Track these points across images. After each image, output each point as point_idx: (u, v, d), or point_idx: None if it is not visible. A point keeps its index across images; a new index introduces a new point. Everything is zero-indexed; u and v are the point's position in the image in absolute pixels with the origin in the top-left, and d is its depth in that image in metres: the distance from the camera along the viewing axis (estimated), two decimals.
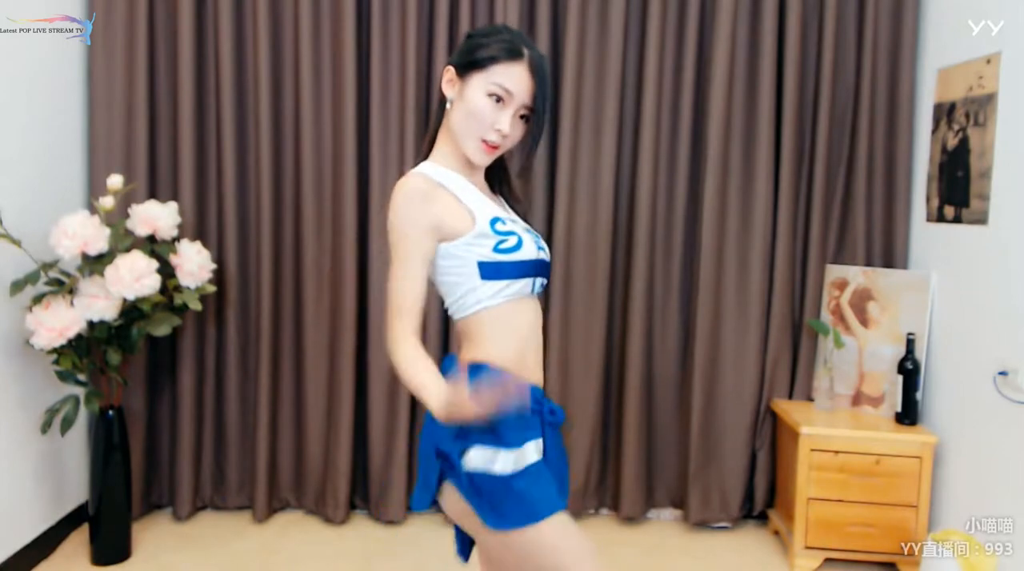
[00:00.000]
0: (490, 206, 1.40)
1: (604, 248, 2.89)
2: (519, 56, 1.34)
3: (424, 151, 1.49)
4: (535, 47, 1.38)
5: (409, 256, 1.31)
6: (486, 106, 1.34)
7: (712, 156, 2.85)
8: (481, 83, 1.34)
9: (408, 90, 2.81)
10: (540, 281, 1.43)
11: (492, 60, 1.33)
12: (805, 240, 2.94)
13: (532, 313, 1.42)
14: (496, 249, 1.33)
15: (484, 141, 1.36)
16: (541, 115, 1.38)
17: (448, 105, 1.40)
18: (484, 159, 1.39)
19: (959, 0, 2.62)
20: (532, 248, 1.39)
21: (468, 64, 1.36)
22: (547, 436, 1.41)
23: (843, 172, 2.90)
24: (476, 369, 1.35)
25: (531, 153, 1.42)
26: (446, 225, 1.33)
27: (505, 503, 1.30)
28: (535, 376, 1.43)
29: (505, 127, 1.34)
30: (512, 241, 1.34)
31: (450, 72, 1.40)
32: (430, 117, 2.86)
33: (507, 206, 1.54)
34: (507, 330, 1.37)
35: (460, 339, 1.43)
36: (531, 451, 1.35)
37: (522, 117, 1.38)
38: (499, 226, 1.35)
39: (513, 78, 1.33)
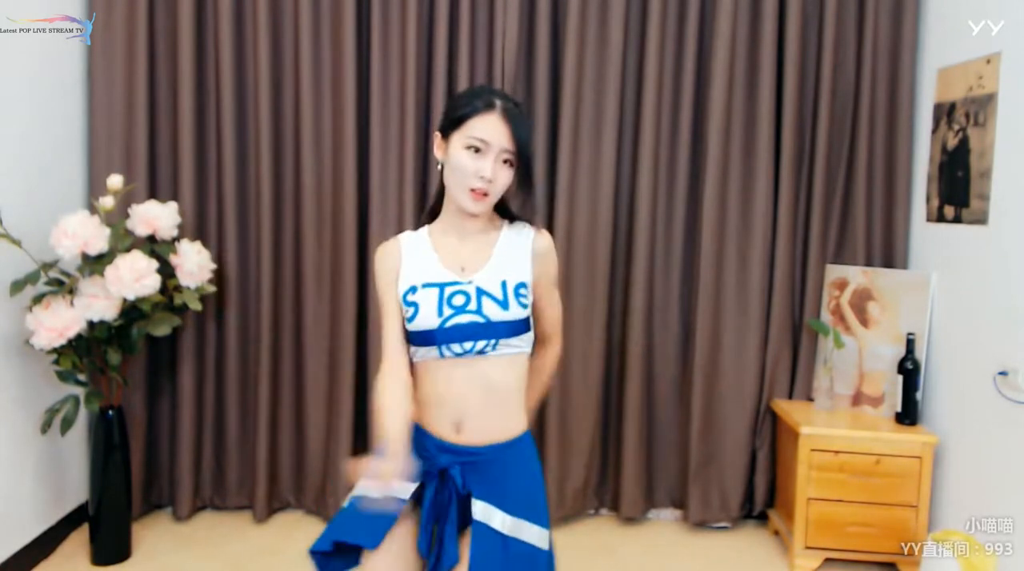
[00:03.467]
0: (425, 272, 1.51)
1: (604, 248, 2.89)
2: (491, 107, 1.45)
3: (427, 214, 1.65)
4: (511, 98, 1.49)
5: (383, 303, 1.54)
6: (466, 158, 1.45)
7: (712, 156, 2.85)
8: (460, 139, 1.46)
9: (408, 90, 2.81)
10: (458, 345, 1.45)
11: (466, 117, 1.45)
12: (805, 240, 2.94)
13: (444, 375, 1.48)
14: (406, 318, 1.50)
15: (472, 190, 1.45)
16: (523, 156, 1.46)
17: (439, 168, 1.52)
18: (476, 207, 1.47)
19: (959, 0, 2.62)
20: (431, 317, 1.45)
21: (448, 126, 1.49)
22: (440, 494, 1.48)
23: (843, 172, 2.90)
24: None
25: (527, 193, 1.52)
26: (394, 281, 1.54)
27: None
28: (444, 428, 1.49)
29: (487, 172, 1.44)
30: (410, 312, 1.48)
31: (437, 138, 1.53)
32: (430, 118, 2.87)
33: (495, 262, 1.53)
34: (420, 385, 1.53)
35: None
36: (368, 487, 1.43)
37: (507, 162, 1.47)
38: (409, 297, 1.49)
39: (487, 128, 1.44)
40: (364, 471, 1.32)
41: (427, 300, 1.47)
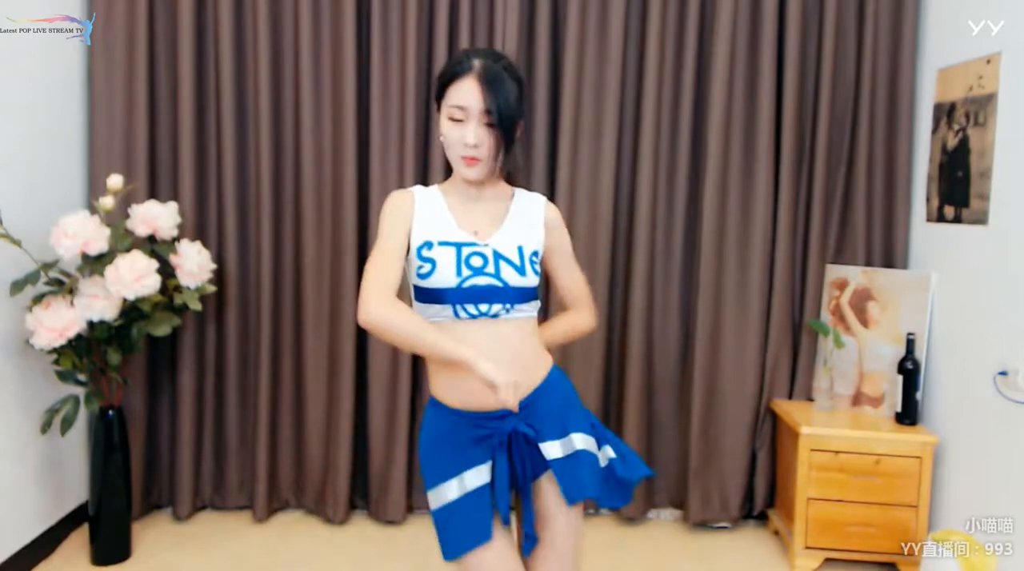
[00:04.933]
0: (441, 229, 1.46)
1: (604, 248, 2.89)
2: (466, 70, 1.42)
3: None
4: (492, 56, 1.44)
5: (384, 239, 1.45)
6: (450, 129, 1.44)
7: (712, 156, 2.85)
8: (444, 111, 1.45)
9: (408, 90, 2.81)
10: (473, 307, 1.43)
11: (444, 87, 1.45)
12: (805, 240, 2.94)
13: (459, 335, 1.42)
14: (417, 273, 1.45)
15: (463, 158, 1.45)
16: (500, 116, 1.41)
17: (441, 139, 1.50)
18: (472, 173, 1.46)
19: (959, 0, 2.62)
20: (450, 275, 1.42)
21: (437, 99, 1.49)
22: (513, 457, 1.47)
23: (843, 172, 2.90)
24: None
25: (507, 154, 1.46)
26: (407, 229, 1.48)
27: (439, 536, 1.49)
28: (475, 397, 1.45)
29: (470, 138, 1.42)
30: (426, 267, 1.43)
31: (438, 112, 1.51)
32: (430, 118, 2.87)
33: (509, 226, 1.53)
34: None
35: None
36: (451, 487, 1.46)
37: (490, 124, 1.43)
38: (424, 252, 1.45)
39: (462, 93, 1.41)
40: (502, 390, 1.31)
41: (445, 258, 1.43)
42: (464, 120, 1.42)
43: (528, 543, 1.51)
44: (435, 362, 1.49)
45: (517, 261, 1.47)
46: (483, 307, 1.43)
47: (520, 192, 1.60)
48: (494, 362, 1.34)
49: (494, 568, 1.43)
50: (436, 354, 1.36)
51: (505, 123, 1.41)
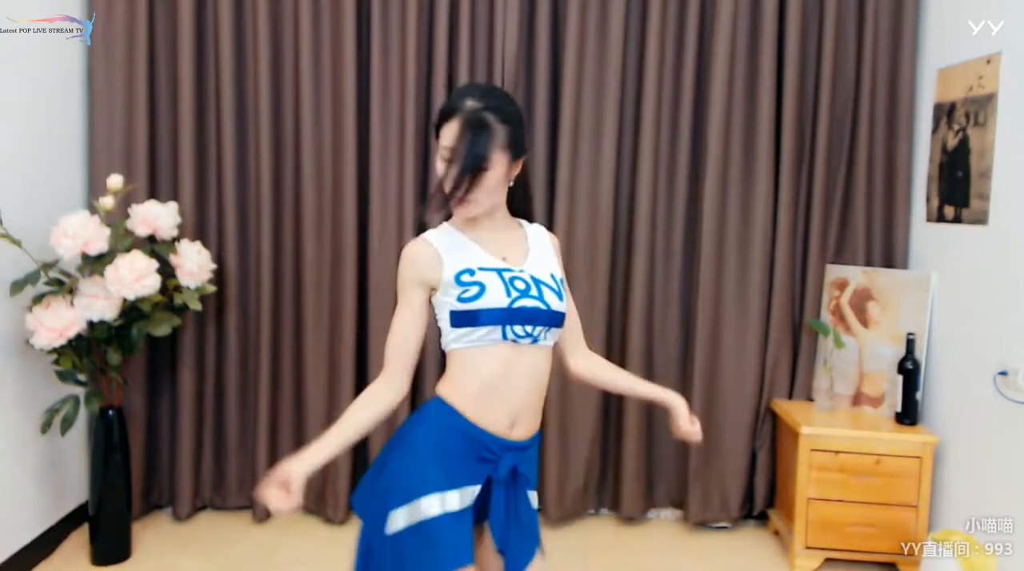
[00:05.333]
0: (475, 258, 1.46)
1: (604, 248, 2.89)
2: (454, 111, 1.42)
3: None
4: (485, 96, 1.42)
5: (401, 306, 1.46)
6: (441, 169, 1.43)
7: (712, 156, 2.85)
8: (439, 151, 1.44)
9: (408, 90, 2.81)
10: (520, 328, 1.43)
11: (438, 127, 1.45)
12: (805, 240, 2.94)
13: (502, 360, 1.43)
14: (460, 298, 1.42)
15: (454, 198, 1.42)
16: (474, 163, 1.38)
17: None
18: (464, 212, 1.45)
19: (959, 0, 2.62)
20: (500, 296, 1.41)
21: (437, 137, 1.47)
22: (506, 492, 1.45)
23: (843, 172, 2.90)
24: (423, 408, 1.52)
25: (455, 196, 1.41)
26: (430, 280, 1.45)
27: (389, 564, 1.40)
28: (500, 423, 1.45)
29: (448, 184, 1.41)
30: (473, 290, 1.41)
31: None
32: (430, 118, 2.87)
33: (534, 253, 1.53)
34: (469, 373, 1.45)
35: None
36: (431, 504, 1.39)
37: (450, 161, 1.42)
38: (464, 277, 1.43)
39: (450, 135, 1.41)
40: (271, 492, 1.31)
41: (492, 280, 1.42)
42: (452, 162, 1.40)
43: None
44: (472, 372, 1.45)
45: (554, 286, 1.48)
46: (529, 328, 1.43)
47: (525, 222, 1.60)
48: (514, 391, 1.44)
49: None
50: (413, 304, 1.44)
51: (475, 169, 1.39)
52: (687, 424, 1.72)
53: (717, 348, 2.93)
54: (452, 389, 1.46)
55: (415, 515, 1.39)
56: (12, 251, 2.36)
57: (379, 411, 1.42)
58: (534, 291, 1.45)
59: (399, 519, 1.39)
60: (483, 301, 1.41)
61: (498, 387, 1.44)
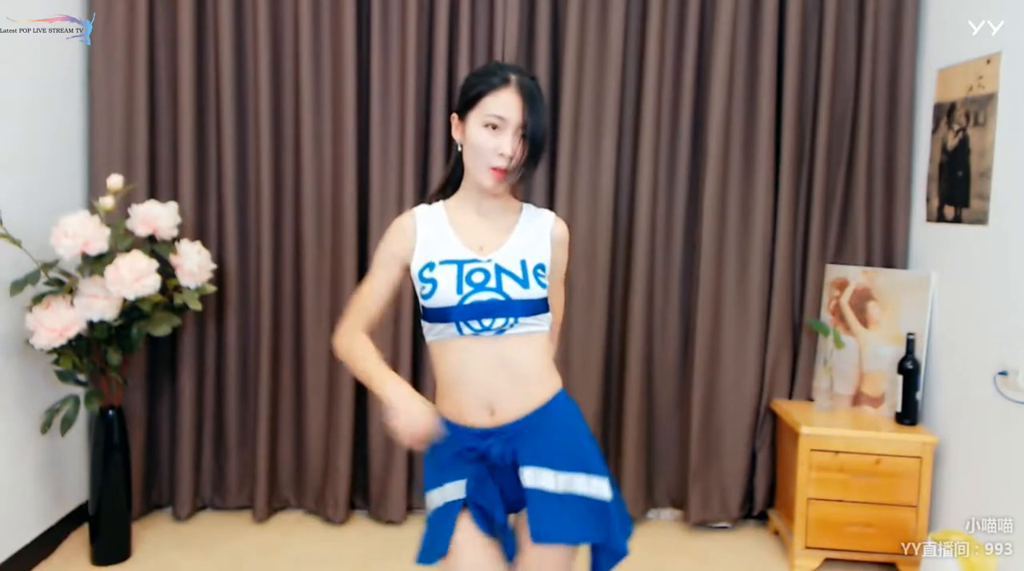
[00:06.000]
0: (443, 249, 1.49)
1: (604, 248, 2.89)
2: (506, 83, 1.43)
3: (437, 192, 1.61)
4: (525, 73, 1.47)
5: (373, 271, 1.54)
6: (485, 137, 1.43)
7: (712, 156, 2.85)
8: (477, 118, 1.44)
9: (408, 89, 2.81)
10: (476, 322, 1.44)
11: (481, 94, 1.44)
12: (805, 240, 2.94)
13: (463, 353, 1.46)
14: (421, 295, 1.49)
15: (492, 169, 1.44)
16: (533, 133, 1.43)
17: (459, 149, 1.51)
18: (496, 186, 1.46)
19: (959, 0, 2.62)
20: (451, 293, 1.44)
21: (465, 106, 1.47)
22: (495, 476, 1.47)
23: (843, 172, 2.90)
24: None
25: (527, 171, 1.47)
26: (407, 261, 1.52)
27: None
28: (477, 413, 1.48)
29: (507, 149, 1.42)
30: (427, 288, 1.46)
31: (454, 119, 1.51)
32: (430, 117, 2.87)
33: (514, 241, 1.52)
34: (438, 366, 1.53)
35: None
36: (435, 497, 1.51)
37: (524, 137, 1.44)
38: (425, 273, 1.48)
39: (502, 104, 1.42)
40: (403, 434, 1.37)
41: (446, 277, 1.45)
42: (501, 129, 1.42)
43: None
44: (440, 365, 1.52)
45: (519, 273, 1.47)
46: (486, 322, 1.44)
47: (528, 207, 1.60)
48: (482, 382, 1.46)
49: None
50: (370, 385, 1.45)
51: (539, 139, 1.44)
52: None
53: (717, 348, 2.93)
54: (437, 386, 1.54)
55: (430, 504, 1.52)
56: (12, 251, 2.36)
57: None
58: (492, 283, 1.45)
59: (429, 502, 1.53)
60: (434, 299, 1.46)
61: (465, 379, 1.47)
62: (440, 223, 1.53)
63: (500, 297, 1.45)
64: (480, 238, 1.51)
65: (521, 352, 1.48)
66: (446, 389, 1.51)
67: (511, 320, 1.45)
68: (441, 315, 1.45)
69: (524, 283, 1.47)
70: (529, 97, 1.43)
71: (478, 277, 1.46)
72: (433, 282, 1.46)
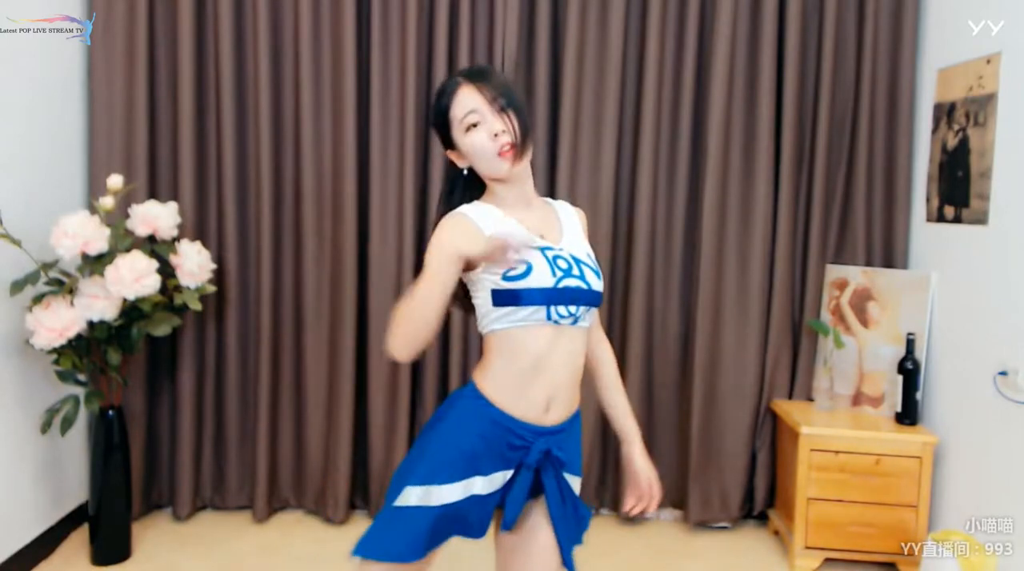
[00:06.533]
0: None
1: (604, 248, 2.89)
2: (456, 85, 1.43)
3: (443, 205, 1.53)
4: (469, 69, 1.48)
5: (427, 276, 1.33)
6: (475, 136, 1.41)
7: (712, 156, 2.85)
8: (459, 131, 1.43)
9: (408, 89, 2.81)
10: (564, 309, 1.40)
11: (446, 109, 1.44)
12: (805, 240, 2.94)
13: (543, 341, 1.40)
14: (504, 277, 1.38)
15: (500, 153, 1.41)
16: (505, 96, 1.41)
17: (465, 172, 1.49)
18: (515, 163, 1.42)
19: (959, 0, 2.62)
20: (546, 276, 1.38)
21: (444, 132, 1.46)
22: (534, 476, 1.45)
23: (843, 172, 2.90)
24: (458, 394, 1.49)
25: (530, 135, 1.45)
26: (468, 256, 1.34)
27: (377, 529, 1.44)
28: (536, 408, 1.43)
29: (497, 126, 1.40)
30: (521, 268, 1.37)
31: (449, 154, 1.50)
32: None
33: (568, 231, 1.52)
34: (510, 354, 1.42)
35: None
36: (452, 491, 1.41)
37: (502, 110, 1.42)
38: None
39: (465, 101, 1.42)
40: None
41: (537, 258, 1.39)
42: (480, 121, 1.41)
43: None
44: (512, 354, 1.41)
45: (592, 264, 1.47)
46: (573, 309, 1.41)
47: (551, 200, 1.59)
48: (554, 374, 1.42)
49: None
50: (443, 288, 1.31)
51: (514, 101, 1.42)
52: (639, 461, 1.65)
53: (717, 348, 2.93)
54: (487, 375, 1.44)
55: (427, 499, 1.41)
56: (12, 251, 2.36)
57: None
58: (576, 270, 1.42)
59: (411, 497, 1.41)
60: (530, 280, 1.37)
61: (539, 369, 1.41)
62: (495, 214, 1.44)
63: (584, 285, 1.42)
64: (538, 229, 1.46)
65: (583, 347, 1.48)
66: (511, 378, 1.42)
67: (588, 311, 1.45)
68: (534, 297, 1.37)
69: (599, 274, 1.47)
70: (480, 77, 1.42)
71: (563, 263, 1.42)
72: (527, 263, 1.37)
